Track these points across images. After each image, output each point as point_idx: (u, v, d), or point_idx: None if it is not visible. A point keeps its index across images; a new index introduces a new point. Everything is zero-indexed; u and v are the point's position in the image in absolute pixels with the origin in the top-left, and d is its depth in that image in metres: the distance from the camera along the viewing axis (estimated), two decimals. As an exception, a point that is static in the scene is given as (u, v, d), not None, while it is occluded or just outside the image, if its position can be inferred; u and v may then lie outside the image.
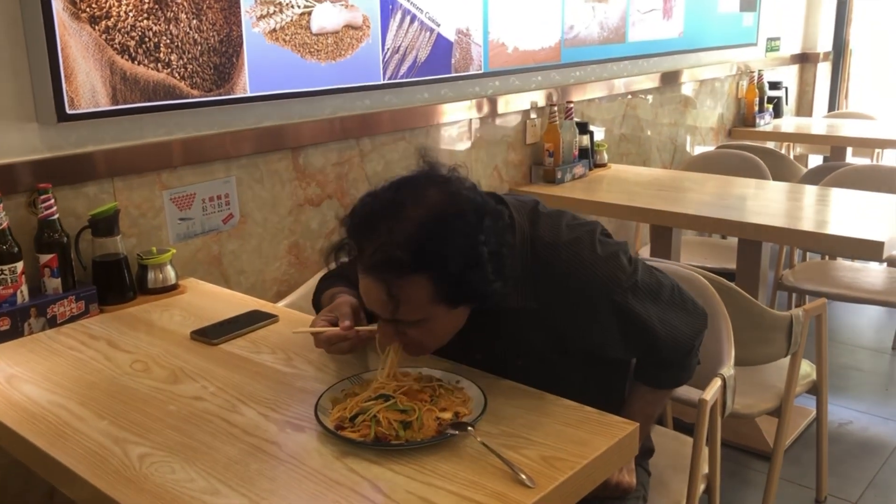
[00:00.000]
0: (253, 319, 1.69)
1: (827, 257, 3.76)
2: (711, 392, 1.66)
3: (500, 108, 2.91)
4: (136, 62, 1.83)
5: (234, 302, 1.85)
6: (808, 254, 3.81)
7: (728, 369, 1.76)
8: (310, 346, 1.54)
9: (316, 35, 2.20)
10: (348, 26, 2.28)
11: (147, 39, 1.84)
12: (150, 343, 1.60)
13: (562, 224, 1.38)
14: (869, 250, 2.23)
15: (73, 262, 1.76)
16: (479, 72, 2.75)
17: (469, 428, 1.17)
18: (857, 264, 3.38)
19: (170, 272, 1.89)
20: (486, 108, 2.84)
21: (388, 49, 2.41)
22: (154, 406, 1.33)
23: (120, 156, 1.87)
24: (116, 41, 1.79)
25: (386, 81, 2.42)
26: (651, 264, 1.47)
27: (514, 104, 2.97)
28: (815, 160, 5.29)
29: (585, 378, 1.44)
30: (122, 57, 1.81)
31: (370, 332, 1.34)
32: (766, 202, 2.86)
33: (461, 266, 1.18)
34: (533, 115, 3.08)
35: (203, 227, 2.06)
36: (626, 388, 1.57)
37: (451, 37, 2.62)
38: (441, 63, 2.60)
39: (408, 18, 2.44)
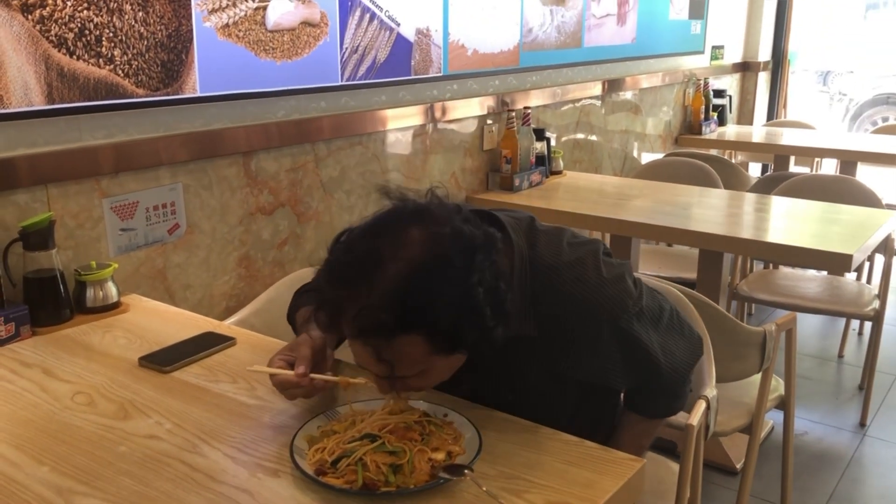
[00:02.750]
0: (207, 343, 1.54)
1: (772, 265, 3.79)
2: (697, 416, 1.59)
3: (458, 113, 2.80)
4: (74, 57, 1.65)
5: (183, 321, 1.69)
6: (753, 262, 3.82)
7: (711, 390, 1.70)
8: (275, 373, 1.41)
9: (271, 32, 2.05)
10: (305, 23, 2.13)
11: (87, 32, 1.67)
12: (93, 371, 1.44)
13: (562, 243, 1.27)
14: (838, 263, 2.22)
15: (0, 279, 1.58)
16: (439, 74, 2.63)
17: (466, 471, 1.06)
18: (800, 272, 3.40)
19: (111, 289, 1.72)
20: (443, 113, 2.73)
21: (346, 48, 2.27)
22: (102, 447, 1.17)
23: (55, 160, 1.69)
24: (53, 33, 1.61)
25: (344, 83, 2.29)
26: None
27: (471, 109, 2.87)
28: (755, 167, 5.37)
29: (576, 411, 1.35)
30: (59, 51, 1.63)
31: (326, 381, 1.22)
32: (726, 212, 2.83)
33: (454, 317, 1.05)
34: (489, 121, 2.99)
35: (147, 238, 1.89)
36: (616, 419, 1.48)
37: (412, 37, 2.50)
38: (400, 64, 2.48)
39: (367, 16, 2.31)
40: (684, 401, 1.46)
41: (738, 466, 2.60)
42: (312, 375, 1.20)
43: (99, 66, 1.70)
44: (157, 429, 1.23)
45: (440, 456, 1.09)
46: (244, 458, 1.14)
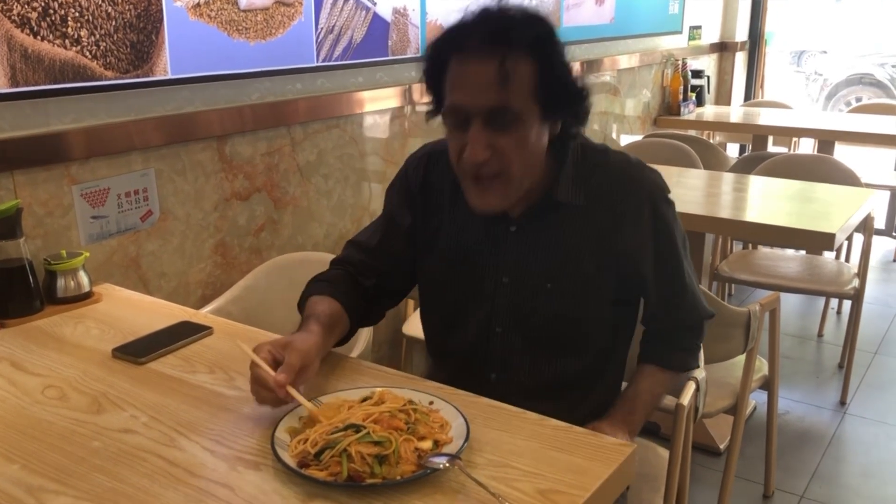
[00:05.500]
0: (183, 332, 1.49)
1: (751, 246, 3.79)
2: (687, 397, 1.57)
3: (437, 95, 2.76)
4: (39, 37, 1.59)
5: (158, 310, 1.64)
6: (732, 243, 3.83)
7: (699, 371, 1.68)
8: (254, 362, 1.37)
9: (244, 12, 1.99)
10: (279, 2, 2.08)
11: (52, 11, 1.60)
12: (65, 363, 1.39)
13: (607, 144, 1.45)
14: (820, 242, 2.21)
15: (-34, 270, 1.52)
16: (417, 55, 2.59)
17: (454, 460, 1.03)
18: (780, 252, 3.40)
19: (82, 278, 1.66)
20: (422, 95, 2.68)
21: (321, 28, 2.22)
22: (75, 443, 1.13)
23: (21, 146, 1.63)
24: (15, 12, 1.55)
25: (319, 64, 2.23)
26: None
27: (450, 90, 2.82)
28: (733, 148, 5.37)
29: (606, 317, 1.42)
30: (23, 31, 1.56)
31: (298, 401, 1.14)
32: (706, 193, 2.82)
33: (560, 66, 1.24)
34: (469, 102, 2.94)
35: (119, 225, 1.84)
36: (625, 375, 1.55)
37: (388, 17, 2.44)
38: (377, 45, 2.43)
39: (342, -4, 2.26)
40: (696, 361, 1.50)
41: (722, 447, 2.60)
42: (289, 388, 1.14)
43: (65, 48, 1.63)
44: (132, 422, 1.18)
45: (427, 445, 1.06)
46: (223, 451, 1.10)
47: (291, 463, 1.03)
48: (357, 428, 1.05)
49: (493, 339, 1.41)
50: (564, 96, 1.26)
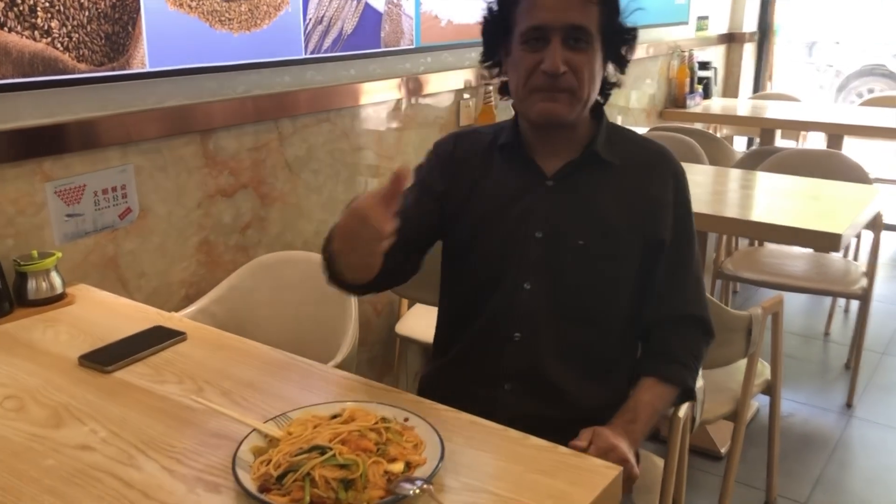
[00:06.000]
0: (156, 338, 1.43)
1: (757, 242, 3.70)
2: (683, 408, 1.51)
3: (433, 87, 2.68)
4: (6, 29, 1.52)
5: (133, 314, 1.58)
6: (738, 238, 3.74)
7: (697, 380, 1.61)
8: (224, 373, 1.31)
9: (227, 2, 1.91)
10: (264, -8, 2.00)
11: (20, 1, 1.53)
12: (29, 371, 1.32)
13: None
14: (827, 243, 2.13)
15: (-70, 272, 1.46)
16: (411, 46, 2.51)
17: (426, 485, 0.96)
18: (786, 249, 3.31)
19: (55, 279, 1.60)
20: (417, 87, 2.61)
21: (310, 19, 2.14)
22: (28, 461, 1.07)
23: (-11, 142, 1.56)
24: (-20, 3, 1.48)
25: (308, 56, 2.16)
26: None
27: (447, 83, 2.74)
28: (740, 141, 5.27)
29: (628, 287, 1.43)
30: (-12, 22, 1.50)
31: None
32: (711, 189, 2.74)
33: (619, 8, 1.37)
34: (466, 95, 2.86)
35: (95, 224, 1.77)
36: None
37: (381, 7, 2.36)
38: (369, 36, 2.35)
39: (332, -15, 2.18)
40: (693, 379, 1.44)
41: (723, 451, 2.53)
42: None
43: (34, 39, 1.56)
44: (91, 438, 1.12)
45: (398, 467, 0.99)
46: (183, 470, 1.04)
47: (251, 486, 0.96)
48: (322, 449, 0.99)
49: (521, 294, 1.40)
50: (620, 33, 1.38)
